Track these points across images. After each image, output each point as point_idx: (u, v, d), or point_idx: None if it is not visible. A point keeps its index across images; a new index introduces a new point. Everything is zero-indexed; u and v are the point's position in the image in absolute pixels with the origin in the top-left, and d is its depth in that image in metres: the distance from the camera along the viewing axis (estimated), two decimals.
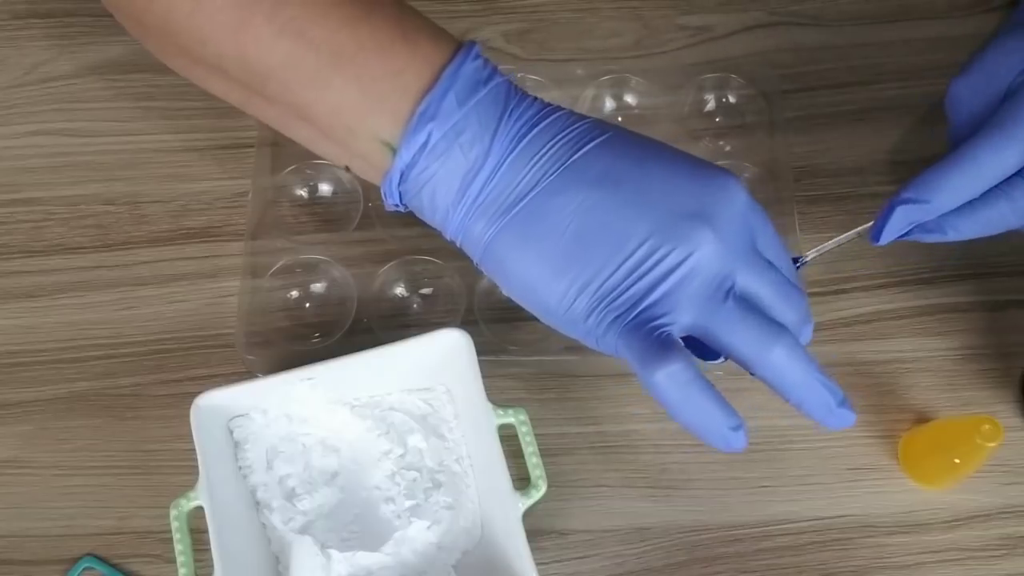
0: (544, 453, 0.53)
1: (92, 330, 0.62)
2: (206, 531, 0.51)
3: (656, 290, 0.43)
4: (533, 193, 0.44)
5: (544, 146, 0.44)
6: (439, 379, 0.57)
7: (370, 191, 0.63)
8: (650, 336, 0.42)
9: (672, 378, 0.42)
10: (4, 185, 0.66)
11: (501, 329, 0.59)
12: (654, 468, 0.57)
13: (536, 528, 0.54)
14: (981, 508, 0.56)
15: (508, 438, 0.53)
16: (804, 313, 0.45)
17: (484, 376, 0.53)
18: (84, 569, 0.56)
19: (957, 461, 0.53)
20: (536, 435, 0.53)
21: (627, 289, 0.43)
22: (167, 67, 0.63)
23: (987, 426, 0.49)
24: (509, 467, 0.52)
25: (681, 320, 0.43)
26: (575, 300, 0.44)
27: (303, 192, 0.64)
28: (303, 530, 0.54)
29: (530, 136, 0.45)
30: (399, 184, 0.46)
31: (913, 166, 0.63)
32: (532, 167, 0.44)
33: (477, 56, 0.46)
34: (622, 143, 0.45)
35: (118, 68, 0.69)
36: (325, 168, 0.64)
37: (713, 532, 0.56)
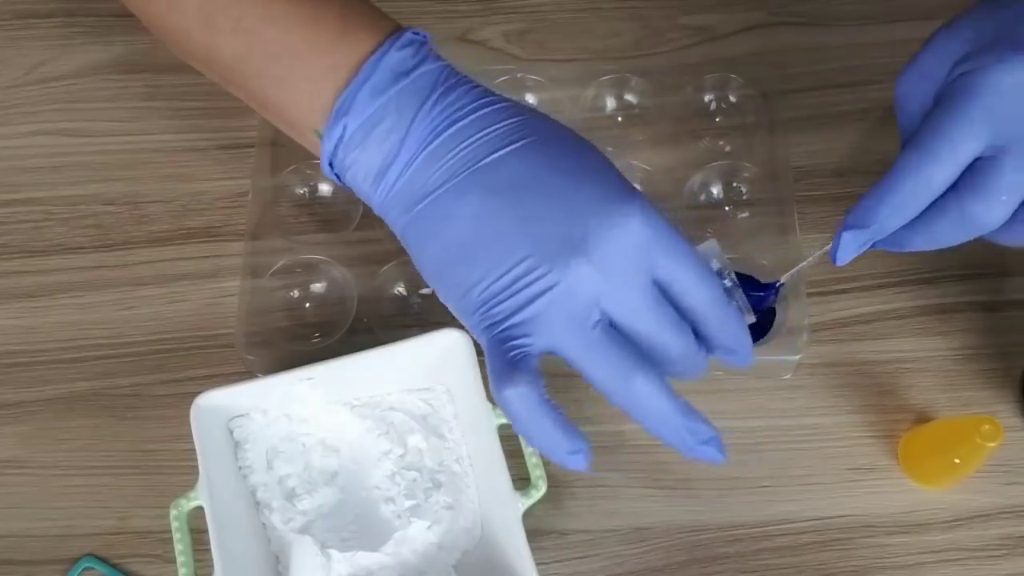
0: None
1: (92, 330, 0.62)
2: (206, 531, 0.51)
3: (523, 311, 0.43)
4: (440, 191, 0.44)
5: (460, 144, 0.44)
6: (439, 379, 0.57)
7: None
8: (507, 354, 0.43)
9: (517, 399, 0.42)
10: (4, 185, 0.66)
11: None
12: (654, 468, 0.57)
13: (536, 528, 0.54)
14: (981, 508, 0.55)
15: (508, 438, 0.53)
16: (727, 341, 0.44)
17: (484, 376, 0.53)
18: (84, 569, 0.56)
19: (957, 461, 0.53)
20: None
21: (500, 303, 0.43)
22: (167, 67, 0.63)
23: (987, 426, 0.49)
24: (509, 467, 0.52)
25: (539, 344, 0.43)
26: (462, 298, 0.44)
27: (303, 192, 0.64)
28: (303, 530, 0.54)
29: (449, 132, 0.44)
30: (332, 170, 0.47)
31: None
32: (444, 164, 0.44)
33: (407, 44, 0.46)
34: (537, 152, 0.44)
35: (118, 68, 0.69)
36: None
37: (713, 532, 0.56)
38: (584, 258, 0.42)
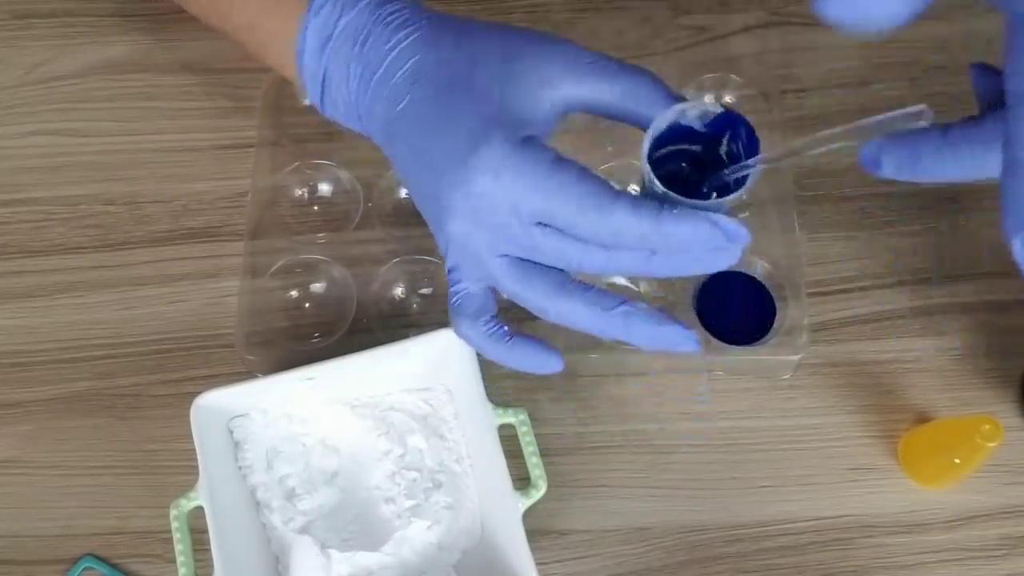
0: (544, 453, 0.53)
1: (92, 330, 0.62)
2: (206, 531, 0.51)
3: (447, 260, 0.46)
4: (401, 107, 0.46)
5: (405, 64, 0.46)
6: (439, 379, 0.57)
7: (371, 190, 0.63)
8: (451, 299, 0.46)
9: (468, 337, 0.46)
10: (4, 185, 0.66)
11: None
12: (654, 468, 0.57)
13: (536, 528, 0.54)
14: (981, 508, 0.56)
15: (508, 438, 0.53)
16: (634, 266, 0.43)
17: (484, 376, 0.53)
18: (84, 569, 0.56)
19: (957, 461, 0.53)
20: (536, 435, 0.53)
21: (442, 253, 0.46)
22: (167, 67, 0.63)
23: (987, 426, 0.49)
24: (509, 467, 0.52)
25: (470, 286, 0.45)
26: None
27: (303, 192, 0.64)
28: (303, 530, 0.54)
29: (392, 56, 0.46)
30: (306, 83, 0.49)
31: None
32: (393, 86, 0.46)
33: None
34: (426, 95, 0.45)
35: (118, 68, 0.69)
36: (325, 168, 0.64)
37: (713, 532, 0.56)
38: (452, 220, 0.43)
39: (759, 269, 0.59)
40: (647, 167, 0.43)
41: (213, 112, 0.67)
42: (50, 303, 0.62)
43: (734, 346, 0.57)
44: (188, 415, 0.52)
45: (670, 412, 0.58)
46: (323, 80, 0.48)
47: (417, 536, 0.53)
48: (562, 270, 0.44)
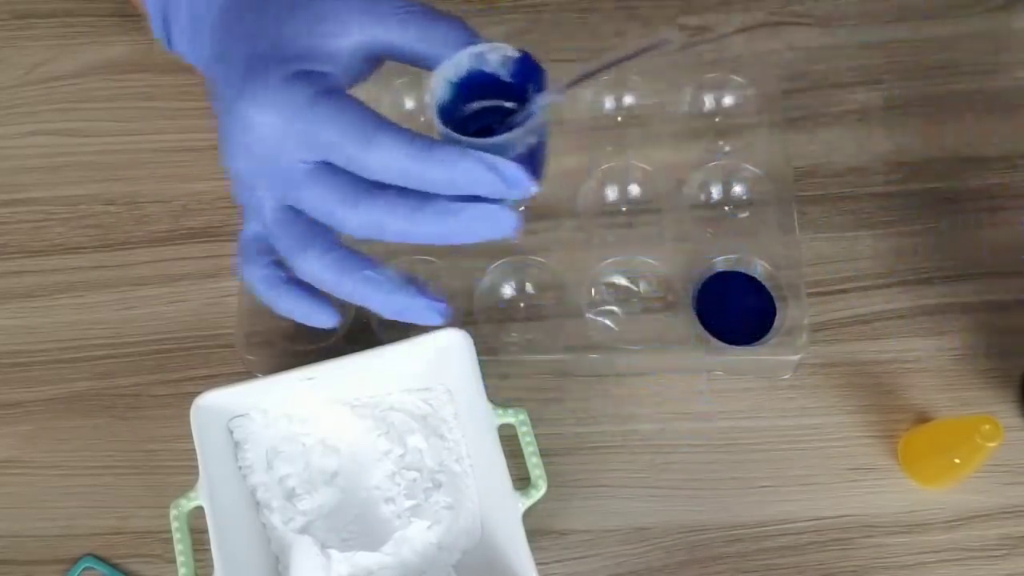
0: (544, 453, 0.53)
1: (92, 330, 0.62)
2: (206, 531, 0.51)
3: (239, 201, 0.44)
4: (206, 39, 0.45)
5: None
6: (439, 379, 0.57)
7: None
8: (239, 244, 0.45)
9: (247, 277, 0.44)
10: (4, 185, 0.66)
11: (501, 329, 0.59)
12: (654, 468, 0.57)
13: (536, 528, 0.54)
14: (981, 508, 0.55)
15: (508, 438, 0.53)
16: (426, 225, 0.40)
17: (484, 376, 0.53)
18: (84, 569, 0.56)
19: (957, 461, 0.53)
20: (536, 435, 0.53)
21: None
22: (167, 67, 0.63)
23: (987, 426, 0.49)
24: (509, 467, 0.52)
25: (253, 226, 0.44)
26: None
27: None
28: (303, 530, 0.54)
29: None
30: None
31: (913, 166, 0.64)
32: (204, 18, 0.45)
33: None
34: (227, 19, 0.44)
35: (118, 68, 0.69)
36: None
37: (713, 532, 0.56)
38: (232, 158, 0.42)
39: (759, 269, 0.59)
40: (433, 109, 0.40)
41: (213, 112, 0.67)
42: (50, 303, 0.62)
43: (734, 346, 0.57)
44: (188, 415, 0.52)
45: (670, 412, 0.58)
46: (164, 11, 0.46)
47: (417, 536, 0.53)
48: (328, 227, 0.42)
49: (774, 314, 0.58)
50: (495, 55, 0.41)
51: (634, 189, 0.63)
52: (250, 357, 0.59)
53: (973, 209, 0.62)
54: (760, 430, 0.58)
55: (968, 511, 0.55)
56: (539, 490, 0.52)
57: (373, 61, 0.44)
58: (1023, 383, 0.57)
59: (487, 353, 0.55)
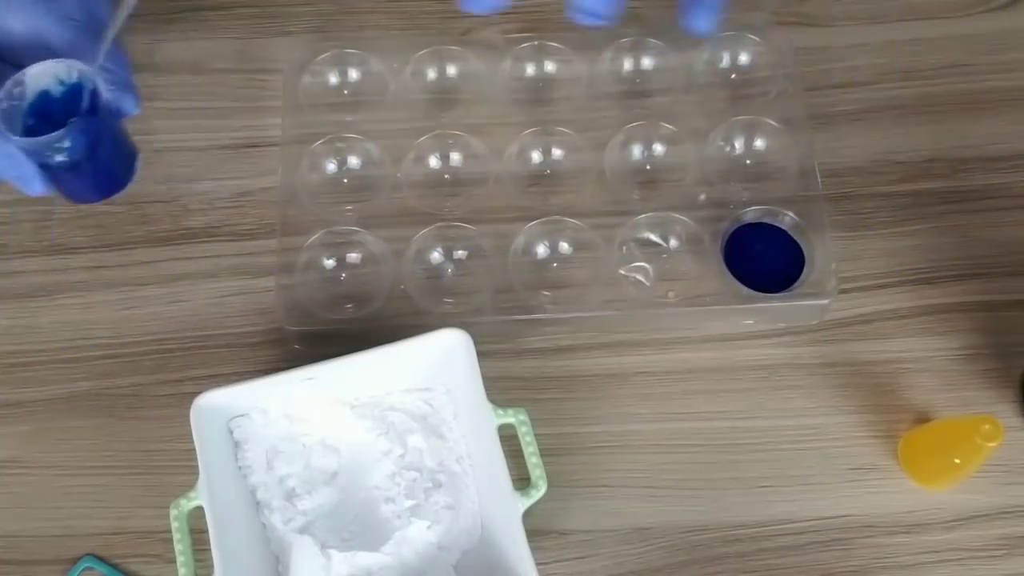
0: (544, 453, 0.53)
1: (92, 330, 0.62)
2: (206, 531, 0.51)
3: None
4: None
5: None
6: (439, 379, 0.57)
7: (399, 163, 0.63)
8: None
9: None
10: (4, 185, 0.65)
11: (536, 289, 0.60)
12: (654, 468, 0.57)
13: (536, 528, 0.54)
14: (981, 508, 0.56)
15: (508, 438, 0.53)
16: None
17: (484, 376, 0.53)
18: (84, 569, 0.56)
19: (957, 461, 0.53)
20: (536, 435, 0.53)
21: None
22: (167, 67, 0.62)
23: (987, 426, 0.49)
24: (509, 467, 0.52)
25: None
26: None
27: (333, 165, 0.64)
28: (303, 530, 0.54)
29: None
30: None
31: (914, 166, 0.64)
32: None
33: None
34: None
35: None
36: (355, 143, 0.64)
37: (713, 532, 0.56)
38: None
39: (786, 220, 0.60)
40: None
41: (214, 112, 0.67)
42: (50, 303, 0.62)
43: (765, 294, 0.58)
44: (188, 415, 0.52)
45: (670, 412, 0.58)
46: None
47: (417, 536, 0.53)
48: None
49: (803, 262, 0.59)
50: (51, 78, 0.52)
51: (658, 147, 0.64)
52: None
53: (974, 209, 0.62)
54: (760, 430, 0.58)
55: (968, 511, 0.55)
56: (539, 490, 0.52)
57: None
58: (1023, 383, 0.57)
59: (522, 313, 0.57)
